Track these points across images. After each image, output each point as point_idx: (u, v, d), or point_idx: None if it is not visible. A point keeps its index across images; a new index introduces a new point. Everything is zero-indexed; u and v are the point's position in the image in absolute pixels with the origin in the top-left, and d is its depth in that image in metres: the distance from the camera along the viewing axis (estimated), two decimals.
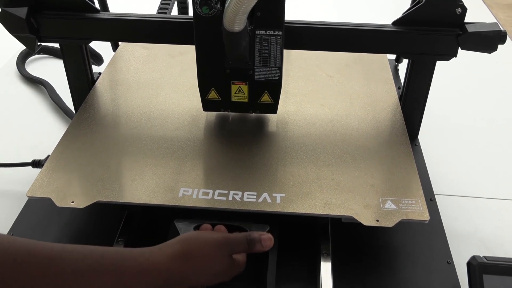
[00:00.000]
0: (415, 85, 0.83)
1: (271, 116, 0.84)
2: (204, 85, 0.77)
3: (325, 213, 0.65)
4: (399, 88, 0.99)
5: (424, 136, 0.96)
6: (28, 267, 0.46)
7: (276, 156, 0.75)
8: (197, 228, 0.64)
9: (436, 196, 0.84)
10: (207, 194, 0.67)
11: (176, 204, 0.66)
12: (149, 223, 0.74)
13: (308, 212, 0.65)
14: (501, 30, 0.74)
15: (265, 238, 0.58)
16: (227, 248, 0.56)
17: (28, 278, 0.46)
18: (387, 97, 0.89)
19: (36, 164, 0.86)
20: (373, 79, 0.94)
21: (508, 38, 1.25)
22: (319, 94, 0.90)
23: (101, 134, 0.79)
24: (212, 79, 0.76)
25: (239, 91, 0.77)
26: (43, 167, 0.72)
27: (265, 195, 0.67)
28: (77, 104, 0.91)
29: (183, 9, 1.21)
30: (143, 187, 0.68)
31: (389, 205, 0.66)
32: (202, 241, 0.55)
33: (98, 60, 1.12)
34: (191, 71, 0.91)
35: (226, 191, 0.68)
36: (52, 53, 1.25)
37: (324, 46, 0.79)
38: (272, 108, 0.79)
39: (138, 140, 0.78)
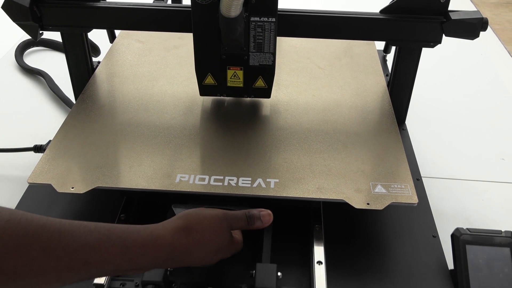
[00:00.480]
0: (402, 71, 0.87)
1: (264, 105, 0.87)
2: (201, 71, 0.80)
3: (318, 197, 0.68)
4: (387, 75, 1.03)
5: (411, 121, 1.00)
6: (40, 239, 0.47)
7: (270, 143, 0.77)
8: None
9: (422, 178, 0.88)
10: (203, 179, 0.69)
11: (173, 189, 0.68)
12: (147, 208, 0.76)
13: (301, 196, 0.67)
14: (482, 18, 0.78)
15: (264, 214, 0.60)
16: (227, 223, 0.58)
17: (41, 249, 0.47)
18: (376, 87, 0.92)
19: (38, 149, 0.89)
20: (362, 70, 0.97)
21: (493, 33, 1.29)
22: (310, 85, 0.92)
23: (100, 123, 0.82)
24: (208, 65, 0.79)
25: (235, 76, 0.80)
26: (43, 154, 0.74)
27: (259, 180, 0.70)
28: (77, 91, 0.94)
29: None
30: (140, 173, 0.70)
31: (379, 189, 0.69)
32: (202, 216, 0.57)
33: (96, 51, 1.15)
34: (186, 64, 0.95)
35: (222, 177, 0.70)
36: (49, 45, 1.28)
37: (315, 33, 0.82)
38: (266, 92, 0.82)
39: (135, 128, 0.80)
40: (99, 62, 1.00)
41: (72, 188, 0.68)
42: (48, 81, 1.13)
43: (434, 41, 0.81)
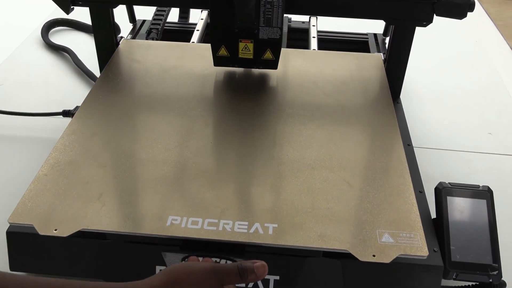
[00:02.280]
0: (397, 49, 0.96)
1: (266, 138, 0.81)
2: (215, 43, 0.90)
3: (320, 246, 0.63)
4: (384, 53, 1.12)
5: (406, 97, 1.09)
6: None
7: (270, 181, 0.72)
8: (184, 259, 0.63)
9: (414, 148, 0.96)
10: (196, 223, 0.64)
11: (164, 234, 0.64)
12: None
13: (301, 245, 0.62)
14: (470, 0, 0.87)
15: (258, 266, 0.54)
16: (217, 277, 0.52)
17: None
18: (384, 118, 0.87)
19: (66, 113, 0.98)
20: (371, 98, 0.92)
21: (496, 29, 1.38)
22: (315, 115, 0.87)
23: (88, 155, 0.76)
24: (222, 37, 0.89)
25: (246, 48, 0.89)
26: (26, 190, 0.69)
27: (256, 225, 0.65)
28: (102, 63, 1.03)
29: None
30: (130, 214, 0.66)
31: (386, 238, 0.64)
32: (189, 270, 0.52)
33: (116, 29, 1.25)
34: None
35: (216, 221, 0.65)
36: (72, 25, 1.38)
37: (317, 11, 0.92)
38: (273, 64, 0.91)
39: (125, 161, 0.75)
40: (121, 37, 1.09)
41: (55, 230, 0.63)
42: (72, 57, 1.23)
43: (426, 20, 0.90)
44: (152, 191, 0.69)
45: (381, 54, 1.06)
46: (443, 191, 0.75)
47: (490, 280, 0.70)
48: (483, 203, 0.75)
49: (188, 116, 0.85)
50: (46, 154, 0.76)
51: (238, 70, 0.98)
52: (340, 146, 0.79)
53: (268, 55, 0.90)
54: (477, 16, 1.45)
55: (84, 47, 1.27)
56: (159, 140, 0.79)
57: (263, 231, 0.64)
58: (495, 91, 1.21)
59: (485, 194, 0.75)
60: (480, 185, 0.77)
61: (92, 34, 1.01)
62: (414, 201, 0.70)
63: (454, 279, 0.70)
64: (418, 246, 0.63)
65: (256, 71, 0.98)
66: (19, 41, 1.32)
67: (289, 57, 1.02)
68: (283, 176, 0.73)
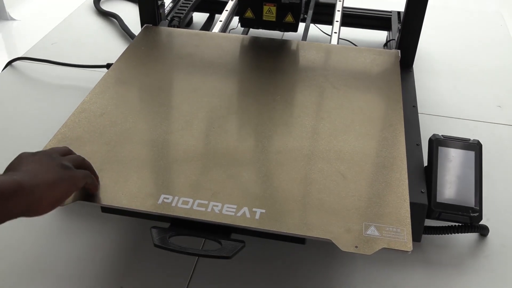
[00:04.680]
0: (411, 20, 1.03)
1: (266, 124, 0.82)
2: (242, 5, 1.00)
3: (302, 234, 0.63)
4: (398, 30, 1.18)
5: (420, 70, 1.16)
6: None
7: (265, 168, 0.73)
8: (171, 237, 0.64)
9: (420, 114, 1.02)
10: (187, 203, 0.66)
11: (154, 211, 0.66)
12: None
13: (285, 231, 0.63)
14: None
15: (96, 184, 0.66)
16: (56, 155, 0.62)
17: None
18: (391, 114, 0.86)
19: (109, 66, 1.11)
20: (379, 94, 0.91)
21: None
22: (321, 107, 0.87)
23: (94, 133, 0.79)
24: (248, 0, 0.99)
25: (269, 12, 0.99)
26: None
27: (244, 209, 0.65)
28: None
29: None
30: (124, 190, 0.68)
31: (372, 231, 0.64)
32: (24, 155, 0.60)
33: None
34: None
35: (206, 202, 0.66)
36: None
37: None
38: (294, 27, 1.01)
39: (129, 138, 0.78)
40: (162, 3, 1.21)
41: None
42: (119, 22, 1.36)
43: None
44: (149, 171, 0.71)
45: (399, 51, 1.04)
46: (435, 142, 0.83)
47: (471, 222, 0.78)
48: (471, 154, 0.82)
49: (194, 101, 0.86)
50: None
51: (250, 60, 0.99)
52: (341, 139, 0.79)
53: (289, 18, 1.00)
54: None
55: (131, 15, 1.41)
56: (163, 123, 0.81)
57: (250, 215, 0.64)
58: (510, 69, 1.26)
59: (474, 146, 0.82)
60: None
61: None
62: (407, 196, 0.69)
63: (437, 218, 0.78)
64: (403, 241, 0.62)
65: (268, 65, 0.97)
66: (74, 8, 1.47)
67: (305, 49, 1.02)
68: (280, 164, 0.73)
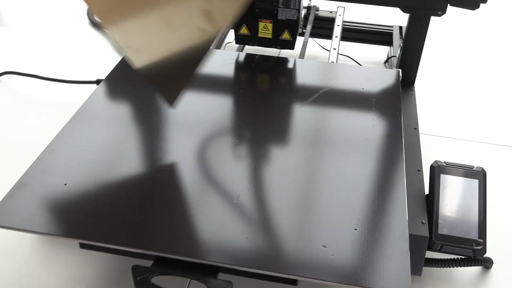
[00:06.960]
0: (412, 37, 1.00)
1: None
2: (237, 22, 0.96)
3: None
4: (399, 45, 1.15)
5: (422, 86, 1.12)
6: None
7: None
8: (153, 277, 0.61)
9: (421, 135, 0.98)
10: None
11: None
12: None
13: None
14: None
15: None
16: None
17: None
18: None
19: (99, 82, 1.07)
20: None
21: None
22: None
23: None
24: (243, 17, 0.95)
25: (265, 28, 0.96)
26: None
27: None
28: None
29: None
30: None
31: None
32: None
33: None
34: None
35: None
36: None
37: None
38: (291, 44, 0.97)
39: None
40: None
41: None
42: None
43: (439, 10, 0.93)
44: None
45: (400, 70, 0.96)
46: (436, 169, 0.79)
47: (474, 255, 0.74)
48: (475, 182, 0.78)
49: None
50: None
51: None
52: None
53: (285, 35, 0.96)
54: None
55: None
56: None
57: None
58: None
59: (478, 174, 0.78)
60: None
61: None
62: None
63: (439, 251, 0.74)
64: None
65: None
66: (67, 18, 1.44)
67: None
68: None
